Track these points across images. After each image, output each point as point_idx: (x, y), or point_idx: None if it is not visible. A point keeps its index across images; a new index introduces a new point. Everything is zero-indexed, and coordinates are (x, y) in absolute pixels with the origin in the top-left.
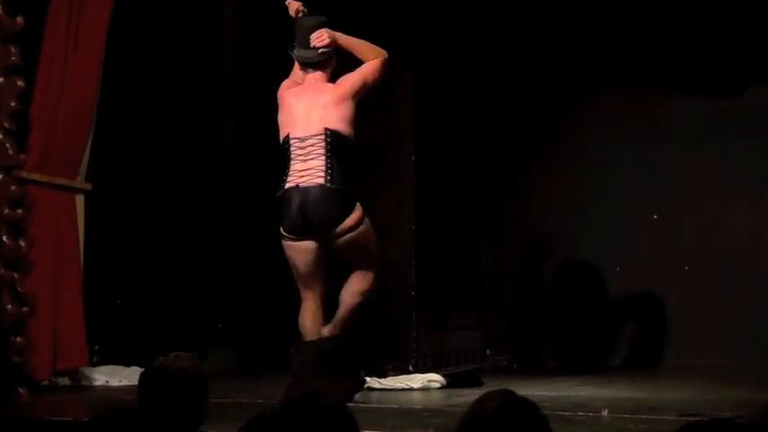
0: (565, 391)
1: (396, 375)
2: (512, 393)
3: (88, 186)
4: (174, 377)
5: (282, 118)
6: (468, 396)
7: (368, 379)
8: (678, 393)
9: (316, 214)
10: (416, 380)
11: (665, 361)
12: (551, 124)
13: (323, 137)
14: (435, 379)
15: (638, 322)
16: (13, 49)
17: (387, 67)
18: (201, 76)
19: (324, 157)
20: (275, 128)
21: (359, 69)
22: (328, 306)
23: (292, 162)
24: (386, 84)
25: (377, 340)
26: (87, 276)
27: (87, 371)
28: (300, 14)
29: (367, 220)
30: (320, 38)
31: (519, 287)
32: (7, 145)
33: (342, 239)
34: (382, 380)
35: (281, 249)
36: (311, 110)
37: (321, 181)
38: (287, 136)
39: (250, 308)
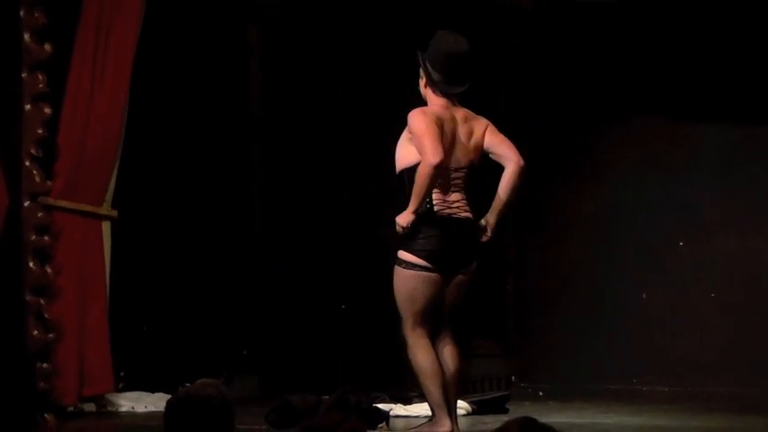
0: (590, 418)
1: (421, 402)
2: (533, 420)
3: (114, 213)
4: (201, 404)
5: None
6: (494, 423)
7: (393, 406)
8: (706, 421)
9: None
10: None
11: (688, 386)
12: (576, 150)
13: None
14: (461, 406)
15: (662, 347)
16: (40, 77)
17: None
18: (227, 102)
19: (463, 192)
20: (298, 155)
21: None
22: None
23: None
24: None
25: (403, 367)
26: (113, 303)
27: (113, 397)
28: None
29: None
30: None
31: (543, 314)
32: (34, 172)
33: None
34: (408, 407)
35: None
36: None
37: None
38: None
39: (275, 334)
